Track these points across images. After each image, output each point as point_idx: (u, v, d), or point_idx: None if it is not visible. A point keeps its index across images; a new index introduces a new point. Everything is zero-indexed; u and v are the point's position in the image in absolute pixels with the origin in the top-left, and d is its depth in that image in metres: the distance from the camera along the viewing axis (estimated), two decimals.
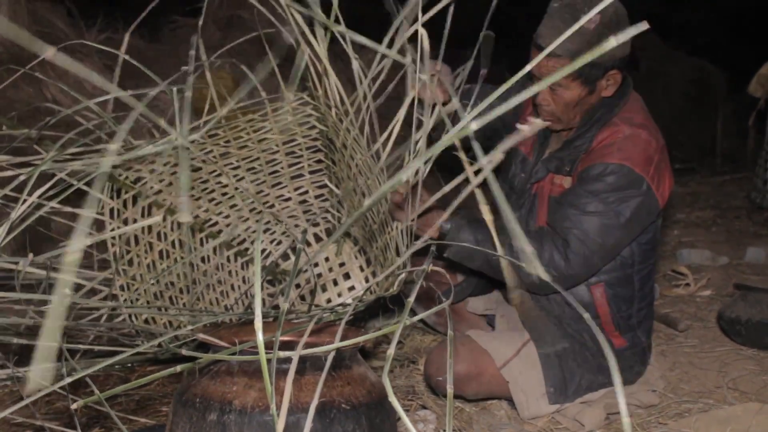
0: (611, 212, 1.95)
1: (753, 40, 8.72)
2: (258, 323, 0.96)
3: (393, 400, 0.86)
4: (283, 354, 1.21)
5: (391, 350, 0.99)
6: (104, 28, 4.68)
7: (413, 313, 2.67)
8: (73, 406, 1.21)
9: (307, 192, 2.57)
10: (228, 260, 2.50)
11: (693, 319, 2.97)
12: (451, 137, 0.85)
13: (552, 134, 2.20)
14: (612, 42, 0.73)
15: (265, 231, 2.59)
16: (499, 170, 2.35)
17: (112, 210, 2.23)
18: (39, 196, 1.82)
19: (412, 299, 1.21)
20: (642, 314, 2.16)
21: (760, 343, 2.58)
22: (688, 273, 3.40)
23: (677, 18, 9.99)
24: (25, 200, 1.69)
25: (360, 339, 1.25)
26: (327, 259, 2.58)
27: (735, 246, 4.21)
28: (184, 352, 1.35)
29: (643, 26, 0.76)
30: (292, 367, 1.05)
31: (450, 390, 1.03)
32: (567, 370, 2.10)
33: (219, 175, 2.39)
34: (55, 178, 1.89)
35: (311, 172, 2.53)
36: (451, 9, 1.82)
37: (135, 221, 2.28)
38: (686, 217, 5.06)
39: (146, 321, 2.24)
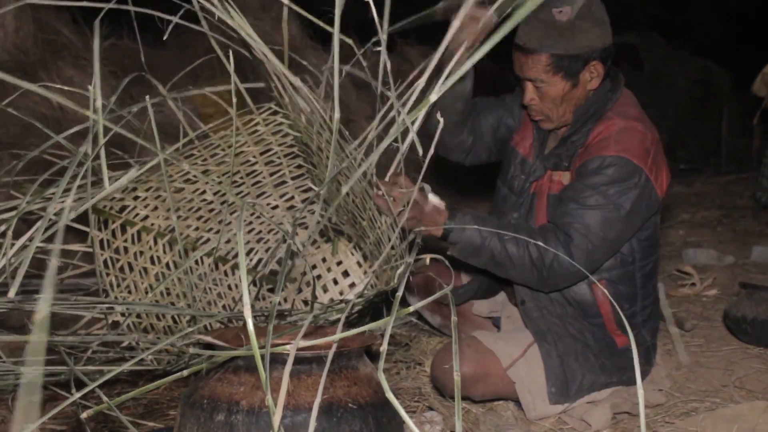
0: (612, 205, 1.96)
1: (757, 39, 8.72)
2: (247, 312, 0.96)
3: (389, 394, 0.86)
4: (281, 359, 1.21)
5: (384, 344, 0.99)
6: (109, 35, 4.71)
7: (419, 316, 2.68)
8: (83, 416, 1.22)
9: (293, 197, 2.58)
10: (225, 274, 2.52)
11: (699, 318, 2.97)
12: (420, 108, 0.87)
13: (550, 134, 2.21)
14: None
15: (258, 241, 2.60)
16: (499, 173, 2.36)
17: (101, 241, 2.27)
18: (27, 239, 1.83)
19: (401, 289, 1.20)
20: (647, 313, 2.17)
21: (766, 341, 2.58)
22: (694, 273, 3.40)
23: (681, 18, 9.99)
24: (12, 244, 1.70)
25: (355, 331, 1.25)
26: (324, 260, 2.59)
27: (740, 245, 4.20)
28: (192, 350, 1.36)
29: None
30: (288, 365, 1.05)
31: (457, 393, 1.03)
32: (568, 370, 2.10)
33: (203, 192, 2.41)
34: (42, 221, 1.89)
35: (293, 178, 2.54)
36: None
37: (126, 249, 2.30)
38: (691, 217, 5.06)
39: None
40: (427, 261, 1.68)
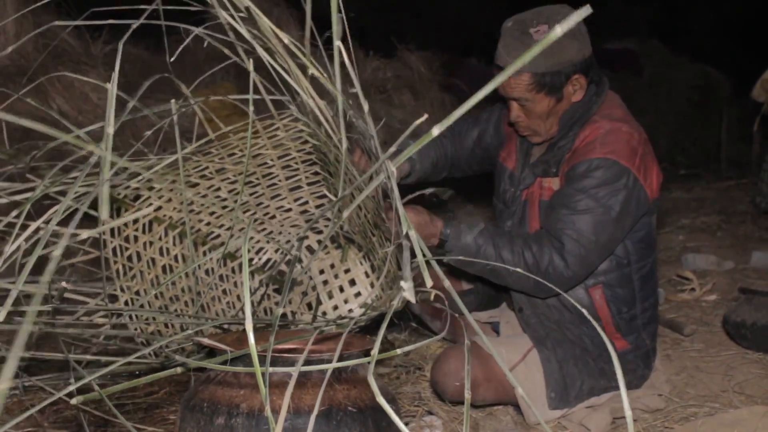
0: (602, 208, 1.96)
1: (756, 45, 8.73)
2: (249, 326, 0.97)
3: (380, 399, 0.86)
4: (282, 364, 1.21)
5: (375, 350, 1.00)
6: (109, 40, 4.71)
7: (420, 321, 2.69)
8: (72, 401, 1.22)
9: (307, 202, 2.58)
10: (233, 271, 2.52)
11: (698, 323, 2.97)
12: (413, 148, 0.88)
13: (534, 145, 2.22)
14: (557, 31, 0.73)
15: (268, 241, 2.60)
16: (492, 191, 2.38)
17: (112, 228, 2.27)
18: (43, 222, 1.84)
19: (384, 325, 1.18)
20: (647, 316, 2.17)
21: (766, 346, 2.58)
22: (694, 278, 3.40)
23: (681, 24, 10.01)
24: (25, 227, 1.71)
25: (360, 361, 1.25)
26: (332, 266, 2.60)
27: (740, 251, 4.20)
28: (189, 360, 1.36)
29: (585, 11, 0.74)
30: (293, 380, 1.05)
31: (466, 408, 1.03)
32: (568, 376, 2.10)
33: (218, 189, 2.42)
34: (59, 205, 1.90)
35: (309, 184, 2.55)
36: None
37: (137, 239, 2.31)
38: (691, 223, 5.06)
39: (152, 334, 2.27)
40: (432, 296, 1.70)
